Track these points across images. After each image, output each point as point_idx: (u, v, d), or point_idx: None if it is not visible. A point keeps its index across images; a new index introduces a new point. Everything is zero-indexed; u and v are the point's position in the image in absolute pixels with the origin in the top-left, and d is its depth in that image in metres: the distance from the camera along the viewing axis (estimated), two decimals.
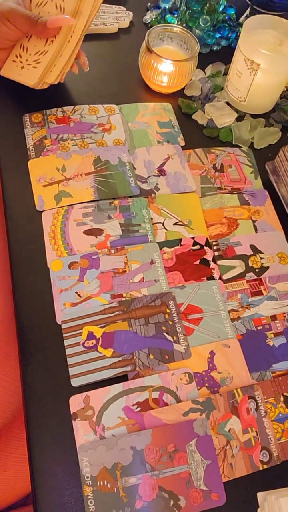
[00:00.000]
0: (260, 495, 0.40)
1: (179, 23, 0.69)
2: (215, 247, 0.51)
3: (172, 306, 0.46)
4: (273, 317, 0.48)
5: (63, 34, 0.50)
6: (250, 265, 0.51)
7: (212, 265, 0.50)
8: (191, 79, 0.63)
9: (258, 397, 0.43)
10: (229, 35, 0.70)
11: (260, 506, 0.39)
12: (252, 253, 0.51)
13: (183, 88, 0.64)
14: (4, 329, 0.50)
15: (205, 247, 0.51)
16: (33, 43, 0.51)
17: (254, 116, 0.63)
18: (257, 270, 0.50)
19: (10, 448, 0.52)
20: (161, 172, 0.55)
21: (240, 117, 0.63)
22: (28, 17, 0.48)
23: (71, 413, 0.40)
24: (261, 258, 0.51)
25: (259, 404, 0.43)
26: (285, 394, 0.44)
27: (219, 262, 0.50)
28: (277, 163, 0.57)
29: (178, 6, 0.69)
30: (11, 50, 0.53)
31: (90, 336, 0.44)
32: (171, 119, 0.60)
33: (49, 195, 0.51)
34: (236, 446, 0.41)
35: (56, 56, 0.51)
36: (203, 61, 0.66)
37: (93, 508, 0.37)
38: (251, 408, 0.42)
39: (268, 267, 0.51)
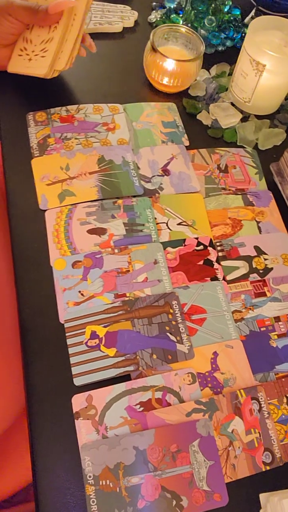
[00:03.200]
0: (262, 497, 0.40)
1: (184, 23, 0.69)
2: (219, 248, 0.51)
3: (175, 306, 0.46)
4: (277, 319, 0.48)
5: (66, 19, 0.50)
6: (254, 266, 0.50)
7: (216, 265, 0.50)
8: (195, 79, 0.63)
9: (261, 398, 0.43)
10: (234, 36, 0.70)
11: (263, 508, 0.39)
12: (256, 254, 0.51)
13: (188, 88, 0.63)
14: (8, 329, 0.50)
15: (209, 248, 0.51)
16: (36, 33, 0.51)
17: (259, 117, 0.63)
18: (261, 271, 0.50)
19: (12, 439, 0.51)
20: (165, 172, 0.55)
21: (245, 118, 0.62)
22: (28, 7, 0.48)
23: (74, 412, 0.40)
24: (265, 259, 0.51)
25: (262, 405, 0.42)
26: None
27: (223, 263, 0.50)
28: (282, 164, 0.57)
29: (183, 6, 0.69)
30: (14, 46, 0.53)
31: (93, 335, 0.44)
32: (175, 119, 0.60)
33: (52, 194, 0.51)
34: (239, 447, 0.41)
35: (62, 42, 0.51)
36: (208, 61, 0.66)
37: (95, 508, 0.37)
38: (254, 409, 0.42)
39: (272, 268, 0.51)
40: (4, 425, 0.51)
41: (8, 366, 0.50)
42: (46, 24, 0.50)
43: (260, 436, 0.41)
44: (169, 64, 0.59)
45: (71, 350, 0.43)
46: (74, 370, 0.42)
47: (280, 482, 0.40)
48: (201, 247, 0.50)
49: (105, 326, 0.44)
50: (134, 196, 0.52)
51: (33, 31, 0.52)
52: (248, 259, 0.51)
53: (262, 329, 0.47)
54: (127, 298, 0.46)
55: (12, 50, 0.53)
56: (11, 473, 0.51)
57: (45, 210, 0.50)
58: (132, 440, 0.39)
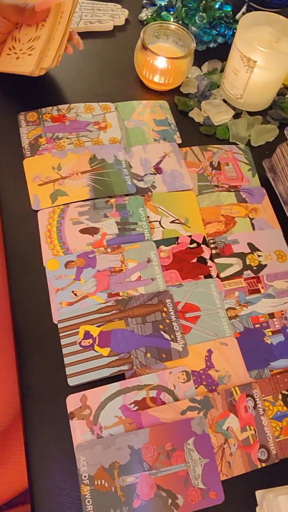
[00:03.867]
0: (258, 493, 0.39)
1: (175, 20, 0.68)
2: (212, 245, 0.51)
3: (169, 304, 0.46)
4: (271, 315, 0.48)
5: (53, 17, 0.50)
6: (247, 263, 0.50)
7: (210, 263, 0.50)
8: (187, 77, 0.63)
9: (256, 395, 0.43)
10: (225, 32, 0.70)
11: (259, 504, 0.39)
12: (249, 251, 0.51)
13: (179, 86, 0.63)
14: (2, 330, 0.50)
15: (202, 245, 0.50)
16: (24, 32, 0.51)
17: (251, 113, 0.63)
18: (254, 268, 0.50)
19: (9, 441, 0.51)
20: (158, 170, 0.55)
21: (237, 115, 0.62)
22: (15, 6, 0.48)
23: (68, 412, 0.40)
24: (259, 256, 0.51)
25: (257, 402, 0.42)
26: (283, 392, 0.43)
27: (216, 260, 0.50)
28: (275, 160, 0.56)
29: (174, 3, 0.69)
30: (3, 45, 0.53)
31: (87, 335, 0.43)
32: (167, 116, 0.60)
33: (44, 194, 0.51)
34: (234, 445, 0.40)
35: (49, 40, 0.51)
36: (199, 58, 0.65)
37: (90, 508, 0.37)
38: (249, 406, 0.42)
39: (265, 265, 0.51)
40: (1, 428, 0.51)
41: (2, 368, 0.50)
42: (34, 22, 0.50)
43: (255, 433, 0.41)
44: (160, 62, 0.58)
45: (65, 350, 0.43)
46: (68, 370, 0.42)
47: (276, 479, 0.40)
48: (194, 245, 0.50)
49: (98, 326, 0.44)
50: (127, 195, 0.52)
51: (21, 30, 0.52)
52: (241, 256, 0.51)
53: (256, 326, 0.47)
54: (120, 297, 0.46)
55: (1, 50, 0.53)
56: (9, 476, 0.51)
57: (37, 210, 0.50)
58: (127, 440, 0.39)
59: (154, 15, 0.70)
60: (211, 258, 0.50)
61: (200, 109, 0.61)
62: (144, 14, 0.70)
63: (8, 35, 0.52)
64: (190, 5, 0.67)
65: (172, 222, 0.52)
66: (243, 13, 0.72)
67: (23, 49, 0.51)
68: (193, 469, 0.39)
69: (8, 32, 0.52)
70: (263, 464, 0.40)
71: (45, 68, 0.52)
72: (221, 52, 0.68)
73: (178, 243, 0.50)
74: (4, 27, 0.50)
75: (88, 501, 0.37)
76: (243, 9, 0.74)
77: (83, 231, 0.49)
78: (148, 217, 0.51)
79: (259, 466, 0.40)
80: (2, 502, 0.51)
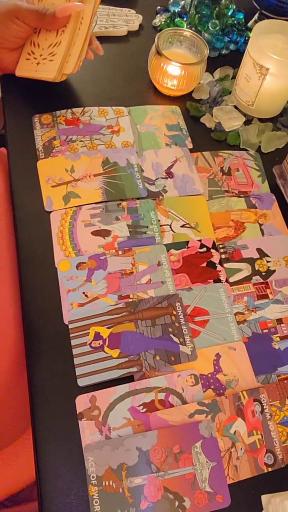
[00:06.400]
0: (264, 498, 0.40)
1: (188, 26, 0.69)
2: (222, 250, 0.51)
3: (178, 308, 0.46)
4: (279, 321, 0.48)
5: (73, 22, 0.50)
6: (256, 268, 0.51)
7: (219, 267, 0.50)
8: (199, 83, 0.64)
9: (264, 400, 0.43)
10: (237, 39, 0.71)
11: (265, 509, 0.39)
12: (258, 256, 0.52)
13: (192, 91, 0.64)
14: (16, 333, 0.50)
15: (212, 250, 0.51)
16: (43, 37, 0.52)
17: (261, 120, 0.63)
18: (263, 273, 0.51)
19: (24, 434, 0.51)
20: (169, 174, 0.55)
21: (248, 121, 0.63)
22: (35, 10, 0.48)
23: (77, 413, 0.41)
24: (268, 262, 0.51)
25: (264, 407, 0.43)
26: None
27: (225, 265, 0.50)
28: (285, 167, 0.57)
29: (187, 10, 0.70)
30: (21, 50, 0.54)
31: (97, 336, 0.44)
32: (179, 122, 0.61)
33: (57, 196, 0.51)
34: (241, 449, 0.41)
35: (70, 45, 0.51)
36: (211, 65, 0.66)
37: (98, 508, 0.37)
38: (257, 411, 0.42)
39: (274, 271, 0.51)
40: (19, 433, 0.51)
41: (14, 371, 0.50)
42: (54, 27, 0.50)
43: (262, 437, 0.42)
44: (174, 68, 0.59)
45: (75, 351, 0.43)
46: (78, 371, 0.42)
47: (282, 484, 0.41)
48: (204, 249, 0.51)
49: (108, 327, 0.44)
50: (138, 198, 0.53)
51: (40, 35, 0.52)
52: (250, 261, 0.51)
53: (264, 331, 0.47)
54: (130, 300, 0.46)
55: (19, 54, 0.53)
56: (15, 471, 0.51)
57: (50, 212, 0.50)
58: (135, 441, 0.39)
59: (168, 21, 0.71)
60: (221, 263, 0.50)
61: (212, 115, 0.62)
62: (158, 20, 0.71)
63: (26, 39, 0.53)
64: (204, 12, 0.68)
65: (183, 226, 0.52)
66: (255, 21, 0.73)
67: (44, 55, 0.52)
68: (200, 472, 0.39)
69: (27, 37, 0.52)
70: (270, 469, 0.41)
71: (67, 74, 0.53)
72: (233, 59, 0.69)
73: (188, 247, 0.51)
74: (23, 32, 0.51)
75: (96, 502, 0.37)
76: (255, 16, 0.74)
77: (95, 233, 0.50)
78: (159, 220, 0.52)
79: (266, 471, 0.40)
80: (8, 496, 0.51)
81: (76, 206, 0.51)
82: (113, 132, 0.57)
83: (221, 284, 0.49)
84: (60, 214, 0.50)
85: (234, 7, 0.71)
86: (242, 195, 0.56)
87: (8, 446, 0.50)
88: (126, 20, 0.69)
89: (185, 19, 0.70)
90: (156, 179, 0.55)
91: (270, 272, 0.51)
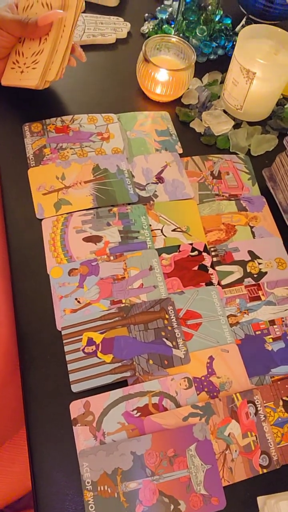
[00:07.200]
0: (260, 499, 0.40)
1: (176, 33, 0.70)
2: (213, 253, 0.52)
3: (171, 311, 0.46)
4: (272, 322, 0.48)
5: (55, 30, 0.51)
6: (248, 270, 0.51)
7: (211, 270, 0.50)
8: (188, 88, 0.64)
9: (257, 402, 0.43)
10: (225, 44, 0.71)
11: (260, 510, 0.39)
12: (250, 258, 0.52)
13: (181, 97, 0.65)
14: (8, 338, 0.51)
15: (203, 253, 0.51)
16: (27, 46, 0.53)
17: (250, 123, 0.64)
18: (255, 275, 0.51)
19: (19, 441, 0.51)
20: (159, 179, 0.56)
21: (237, 125, 0.63)
22: (18, 20, 0.49)
23: (72, 418, 0.41)
24: (259, 264, 0.52)
25: (259, 408, 0.43)
26: (284, 398, 0.44)
27: (217, 268, 0.51)
28: (274, 169, 0.57)
29: (175, 16, 0.71)
30: (7, 59, 0.54)
31: (90, 342, 0.44)
32: (168, 127, 0.61)
33: (48, 203, 0.52)
34: (235, 451, 0.41)
35: (52, 53, 0.52)
36: (200, 70, 0.67)
37: None
38: (251, 413, 0.43)
39: (266, 273, 0.51)
40: (9, 435, 0.52)
41: (6, 377, 0.50)
42: (36, 36, 0.51)
43: (256, 439, 0.42)
44: (162, 74, 0.60)
45: (68, 357, 0.43)
46: (72, 377, 0.42)
47: (277, 485, 0.41)
48: (195, 252, 0.51)
49: (101, 333, 0.45)
50: (129, 204, 0.53)
51: (24, 44, 0.53)
52: (242, 263, 0.51)
53: (257, 332, 0.47)
54: (123, 305, 0.46)
55: (5, 63, 0.54)
56: (12, 478, 0.51)
57: (41, 219, 0.51)
58: (130, 446, 0.39)
59: (156, 28, 0.71)
60: (212, 266, 0.51)
61: (201, 120, 0.62)
62: (146, 27, 0.72)
63: (11, 49, 0.54)
64: (191, 18, 0.68)
65: (174, 230, 0.52)
66: (243, 26, 0.74)
67: (27, 63, 0.52)
68: (195, 475, 0.39)
69: (11, 46, 0.53)
70: (265, 470, 0.41)
71: (50, 81, 0.53)
72: (221, 64, 0.70)
73: (179, 251, 0.51)
74: (7, 42, 0.51)
75: (91, 507, 0.37)
76: (243, 21, 0.75)
77: (86, 239, 0.50)
78: (150, 225, 0.52)
79: (261, 472, 0.41)
80: (11, 502, 0.51)
81: (67, 213, 0.51)
82: (103, 139, 0.58)
83: (213, 287, 0.49)
84: (51, 221, 0.50)
85: (222, 12, 0.72)
86: (233, 198, 0.56)
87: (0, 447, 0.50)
88: (114, 28, 0.70)
89: (172, 25, 0.71)
90: (147, 184, 0.55)
91: (261, 274, 0.51)
